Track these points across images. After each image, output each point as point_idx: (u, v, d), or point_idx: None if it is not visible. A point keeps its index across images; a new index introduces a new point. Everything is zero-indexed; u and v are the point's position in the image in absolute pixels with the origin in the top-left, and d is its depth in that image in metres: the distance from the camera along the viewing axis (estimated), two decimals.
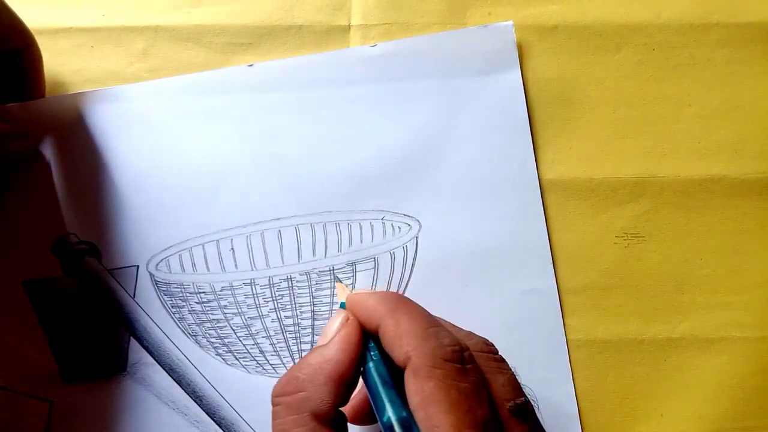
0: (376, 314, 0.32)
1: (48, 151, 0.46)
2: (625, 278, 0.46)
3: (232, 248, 0.45)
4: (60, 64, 0.47)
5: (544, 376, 0.44)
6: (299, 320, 0.44)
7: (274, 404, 0.32)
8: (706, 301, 0.45)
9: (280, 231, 0.45)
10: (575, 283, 0.45)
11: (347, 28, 0.48)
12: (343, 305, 0.35)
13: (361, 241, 0.45)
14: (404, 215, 0.45)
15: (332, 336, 0.32)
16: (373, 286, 0.44)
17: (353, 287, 0.44)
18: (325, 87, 0.47)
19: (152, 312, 0.44)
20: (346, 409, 0.35)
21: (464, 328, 0.35)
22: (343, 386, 0.31)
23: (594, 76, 0.48)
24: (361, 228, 0.45)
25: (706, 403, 0.44)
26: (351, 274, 0.44)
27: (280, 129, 0.46)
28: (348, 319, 0.33)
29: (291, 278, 0.44)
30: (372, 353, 0.32)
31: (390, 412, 0.29)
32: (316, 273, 0.44)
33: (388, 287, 0.45)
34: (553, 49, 0.48)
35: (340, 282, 0.43)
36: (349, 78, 0.47)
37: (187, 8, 0.48)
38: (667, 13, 0.48)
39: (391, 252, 0.45)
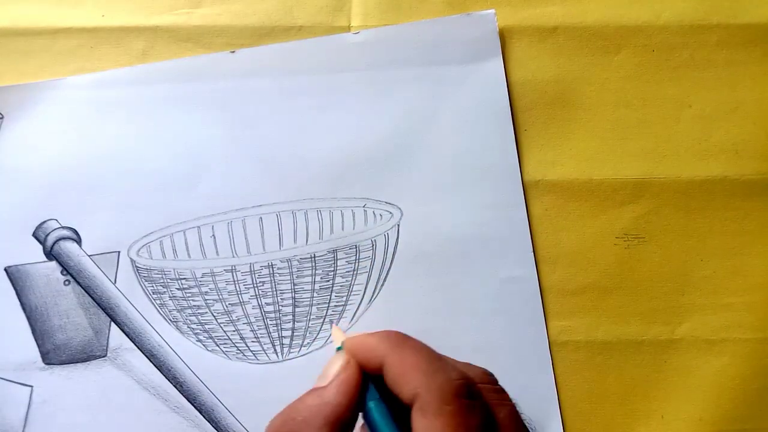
0: (378, 352, 0.31)
1: (29, 137, 0.46)
2: (626, 279, 0.45)
3: (213, 235, 0.45)
4: (60, 63, 0.47)
5: (524, 362, 0.44)
6: (280, 307, 0.44)
7: None
8: (706, 303, 0.45)
9: (261, 218, 0.45)
10: (575, 284, 0.45)
11: (347, 29, 0.48)
12: (339, 348, 0.35)
13: (343, 229, 0.45)
14: (386, 203, 0.46)
15: (332, 379, 0.32)
16: (354, 273, 0.44)
17: (335, 273, 0.44)
18: (306, 73, 0.47)
19: (133, 298, 0.44)
20: None
21: (460, 360, 0.34)
22: (341, 429, 0.31)
23: (594, 77, 0.47)
24: (342, 215, 0.45)
25: (707, 405, 0.44)
26: (332, 261, 0.44)
27: (261, 115, 0.46)
28: (348, 362, 0.32)
29: (272, 265, 0.43)
30: (372, 395, 0.32)
31: None
32: (297, 260, 0.44)
33: (370, 274, 0.45)
34: (553, 50, 0.48)
35: (336, 326, 0.43)
36: (331, 65, 0.47)
37: (186, 9, 0.48)
38: (667, 14, 0.48)
39: (373, 239, 0.45)
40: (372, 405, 0.31)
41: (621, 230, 0.46)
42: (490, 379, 0.32)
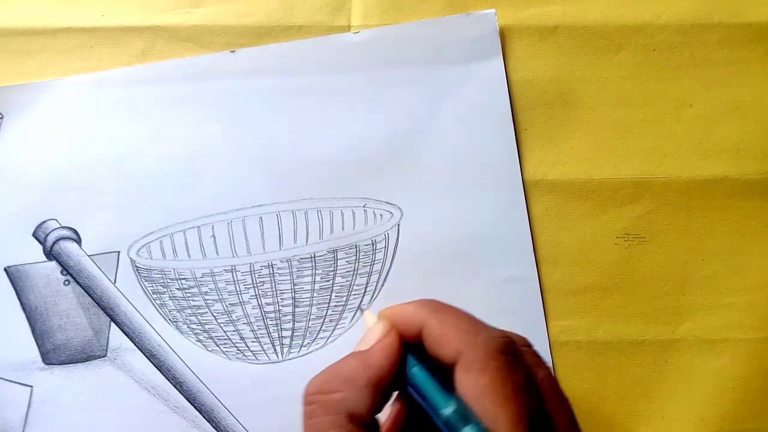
0: (416, 318, 0.32)
1: (29, 137, 0.46)
2: (626, 279, 0.45)
3: (213, 235, 0.45)
4: (59, 63, 0.47)
5: None
6: (280, 307, 0.44)
7: (307, 402, 0.31)
8: (707, 302, 0.45)
9: (261, 218, 0.45)
10: (576, 284, 0.45)
11: (347, 29, 0.48)
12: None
13: (343, 228, 0.45)
14: (386, 203, 0.46)
15: (374, 343, 0.32)
16: (354, 273, 0.44)
17: (335, 273, 0.44)
18: (307, 73, 0.47)
19: (133, 298, 0.45)
20: None
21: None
22: (382, 393, 0.31)
23: (595, 76, 0.47)
24: (342, 215, 0.45)
25: (708, 405, 0.44)
26: (332, 261, 0.44)
27: (261, 115, 0.46)
28: (389, 328, 0.32)
29: (272, 265, 0.43)
30: (411, 363, 0.32)
31: (447, 406, 0.29)
32: (297, 260, 0.44)
33: (370, 274, 0.45)
34: (553, 50, 0.48)
35: (367, 310, 0.43)
36: (331, 65, 0.47)
37: (186, 8, 0.48)
38: (667, 13, 0.48)
39: (373, 239, 0.45)
40: (415, 370, 0.31)
41: (621, 230, 0.46)
42: (526, 343, 0.33)
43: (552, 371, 0.32)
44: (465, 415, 0.28)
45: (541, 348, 0.44)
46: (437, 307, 0.32)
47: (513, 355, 0.30)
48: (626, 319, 0.45)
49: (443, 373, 0.31)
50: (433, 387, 0.30)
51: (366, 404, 0.30)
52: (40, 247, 0.45)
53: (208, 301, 0.44)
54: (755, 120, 0.47)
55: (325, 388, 0.31)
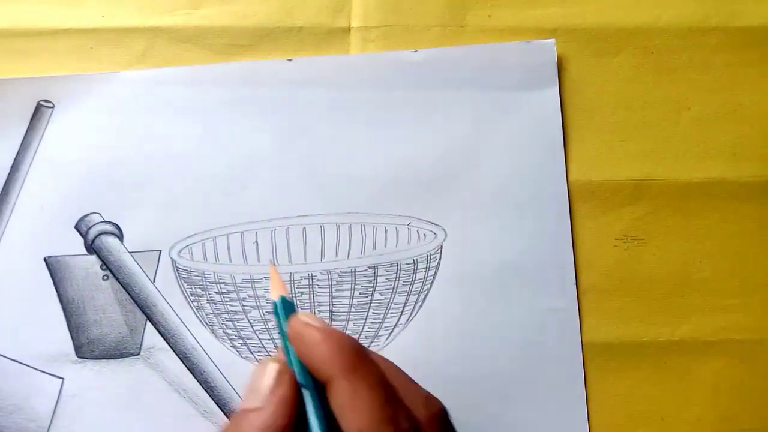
0: (328, 368, 0.28)
1: (79, 128, 0.46)
2: (625, 281, 0.46)
3: (256, 241, 0.45)
4: (59, 64, 0.47)
5: (558, 395, 0.44)
6: None
7: None
8: (705, 304, 0.45)
9: (305, 228, 0.45)
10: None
11: (347, 30, 0.48)
12: (276, 311, 0.32)
13: (385, 245, 0.45)
14: (431, 223, 0.45)
15: (266, 396, 0.29)
16: (394, 291, 0.44)
17: (374, 289, 0.44)
18: (362, 88, 0.46)
19: (171, 298, 0.44)
20: None
21: (423, 389, 0.31)
22: None
23: (593, 78, 0.48)
24: (386, 232, 0.45)
25: (706, 406, 0.44)
26: (372, 278, 0.44)
27: (313, 126, 0.46)
28: (281, 374, 0.30)
29: (312, 276, 0.43)
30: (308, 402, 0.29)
31: None
32: (338, 273, 0.44)
33: (409, 294, 0.44)
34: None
35: (273, 265, 0.39)
36: (387, 81, 0.46)
37: (186, 9, 0.48)
38: (666, 16, 0.48)
39: (415, 258, 0.44)
40: (311, 409, 0.29)
41: (620, 232, 0.46)
42: (442, 417, 0.30)
43: None
44: None
45: (576, 380, 0.44)
46: (356, 364, 0.29)
47: None
48: (625, 320, 0.45)
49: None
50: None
51: None
52: (82, 239, 0.45)
53: (245, 308, 0.43)
54: (753, 123, 0.47)
55: None
